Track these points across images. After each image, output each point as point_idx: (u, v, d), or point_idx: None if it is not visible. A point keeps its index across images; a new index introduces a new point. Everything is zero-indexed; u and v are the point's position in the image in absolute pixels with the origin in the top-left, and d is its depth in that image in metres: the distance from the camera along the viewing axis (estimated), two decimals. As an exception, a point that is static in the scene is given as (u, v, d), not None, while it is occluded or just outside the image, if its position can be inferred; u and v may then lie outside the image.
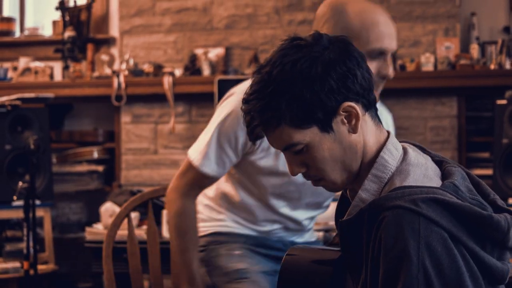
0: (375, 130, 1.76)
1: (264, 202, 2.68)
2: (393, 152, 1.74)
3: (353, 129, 1.71)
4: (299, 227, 2.77)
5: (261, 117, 1.70)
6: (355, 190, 1.76)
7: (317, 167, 1.73)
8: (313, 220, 2.82)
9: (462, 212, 1.60)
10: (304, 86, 1.67)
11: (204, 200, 2.78)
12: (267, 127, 1.71)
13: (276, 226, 2.74)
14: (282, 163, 2.54)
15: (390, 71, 2.33)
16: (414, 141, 1.88)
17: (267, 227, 2.73)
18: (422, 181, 1.67)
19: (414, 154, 1.76)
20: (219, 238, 2.73)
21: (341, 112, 1.69)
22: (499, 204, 1.74)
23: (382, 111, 2.57)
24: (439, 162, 1.79)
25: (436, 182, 1.69)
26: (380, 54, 2.32)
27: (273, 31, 5.55)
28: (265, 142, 2.42)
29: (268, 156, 2.57)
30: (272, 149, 2.51)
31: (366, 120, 1.74)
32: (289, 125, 1.69)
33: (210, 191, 2.77)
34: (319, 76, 1.67)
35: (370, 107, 1.75)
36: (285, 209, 2.70)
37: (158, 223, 4.60)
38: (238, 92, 2.53)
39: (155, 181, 5.60)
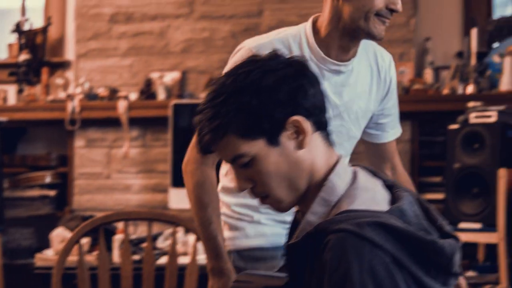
0: (325, 151, 1.77)
1: None
2: (342, 176, 1.74)
3: (300, 145, 1.72)
4: None
5: (210, 125, 1.71)
6: (304, 212, 1.76)
7: (262, 182, 1.73)
8: None
9: (406, 236, 1.60)
10: (253, 96, 1.68)
11: (226, 199, 2.62)
12: (215, 135, 1.72)
13: None
14: None
15: (399, 5, 2.34)
16: (366, 165, 1.89)
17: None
18: (369, 205, 1.68)
19: (364, 178, 1.77)
20: (253, 254, 2.58)
21: (289, 127, 1.71)
22: (446, 230, 1.75)
23: (383, 52, 2.56)
24: (390, 187, 1.80)
25: (383, 206, 1.70)
26: None
27: (229, 55, 5.53)
28: None
29: None
30: None
31: (315, 140, 1.75)
32: (236, 134, 1.70)
33: (231, 184, 2.59)
34: (269, 87, 1.69)
35: (321, 128, 1.76)
36: None
37: (109, 248, 4.56)
38: (246, 46, 2.47)
39: (108, 206, 5.54)
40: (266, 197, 1.76)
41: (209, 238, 2.47)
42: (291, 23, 5.87)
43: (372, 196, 1.71)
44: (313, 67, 2.29)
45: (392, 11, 2.31)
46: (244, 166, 1.73)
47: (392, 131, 2.64)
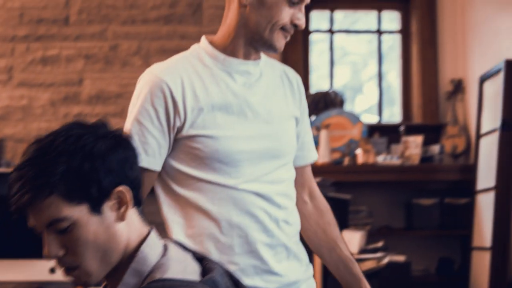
0: (138, 226, 1.77)
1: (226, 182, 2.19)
2: (153, 247, 1.74)
3: (121, 217, 1.71)
4: (282, 212, 2.25)
5: (32, 183, 1.65)
6: (113, 285, 1.73)
7: (77, 250, 1.69)
8: (288, 199, 2.30)
9: None
10: (85, 160, 1.66)
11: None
12: (37, 195, 1.65)
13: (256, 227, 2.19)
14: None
15: (303, 21, 2.30)
16: (176, 239, 1.89)
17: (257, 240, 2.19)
18: (182, 276, 1.68)
19: (175, 250, 1.78)
20: None
21: (113, 197, 1.70)
22: None
23: (289, 71, 2.50)
24: (200, 259, 1.81)
25: (195, 278, 1.71)
26: (298, 2, 2.27)
27: (48, 124, 5.48)
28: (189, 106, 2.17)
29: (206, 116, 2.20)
30: (205, 108, 2.18)
31: (132, 214, 1.75)
32: (61, 196, 1.66)
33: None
34: (101, 154, 1.68)
35: (137, 203, 1.77)
36: (248, 185, 2.20)
37: None
38: (148, 72, 2.22)
39: None
40: (75, 269, 1.72)
41: None
42: (112, 93, 5.87)
43: (184, 268, 1.72)
44: (221, 74, 2.23)
45: (295, 26, 2.33)
46: (61, 232, 1.69)
47: (313, 152, 2.49)
